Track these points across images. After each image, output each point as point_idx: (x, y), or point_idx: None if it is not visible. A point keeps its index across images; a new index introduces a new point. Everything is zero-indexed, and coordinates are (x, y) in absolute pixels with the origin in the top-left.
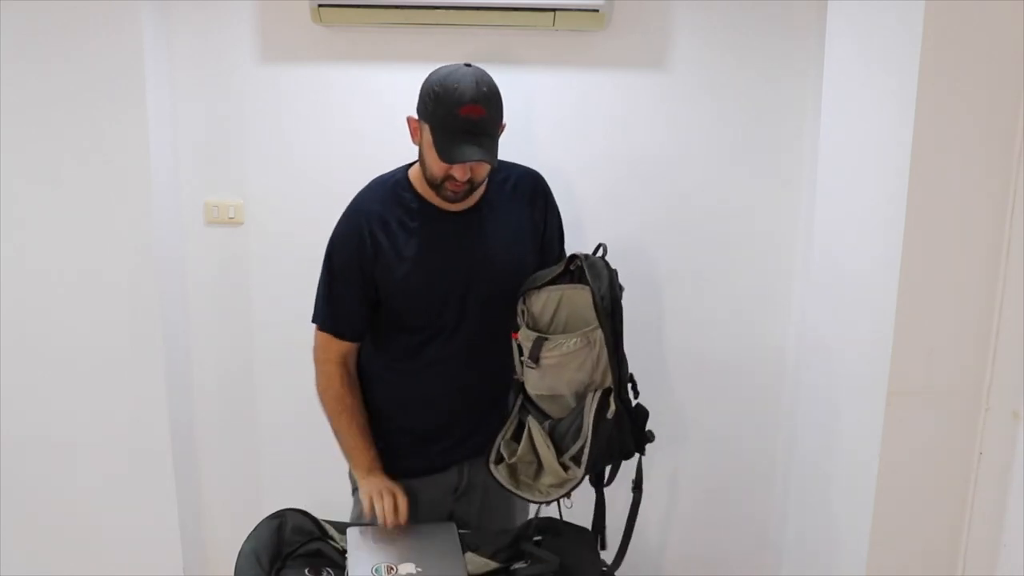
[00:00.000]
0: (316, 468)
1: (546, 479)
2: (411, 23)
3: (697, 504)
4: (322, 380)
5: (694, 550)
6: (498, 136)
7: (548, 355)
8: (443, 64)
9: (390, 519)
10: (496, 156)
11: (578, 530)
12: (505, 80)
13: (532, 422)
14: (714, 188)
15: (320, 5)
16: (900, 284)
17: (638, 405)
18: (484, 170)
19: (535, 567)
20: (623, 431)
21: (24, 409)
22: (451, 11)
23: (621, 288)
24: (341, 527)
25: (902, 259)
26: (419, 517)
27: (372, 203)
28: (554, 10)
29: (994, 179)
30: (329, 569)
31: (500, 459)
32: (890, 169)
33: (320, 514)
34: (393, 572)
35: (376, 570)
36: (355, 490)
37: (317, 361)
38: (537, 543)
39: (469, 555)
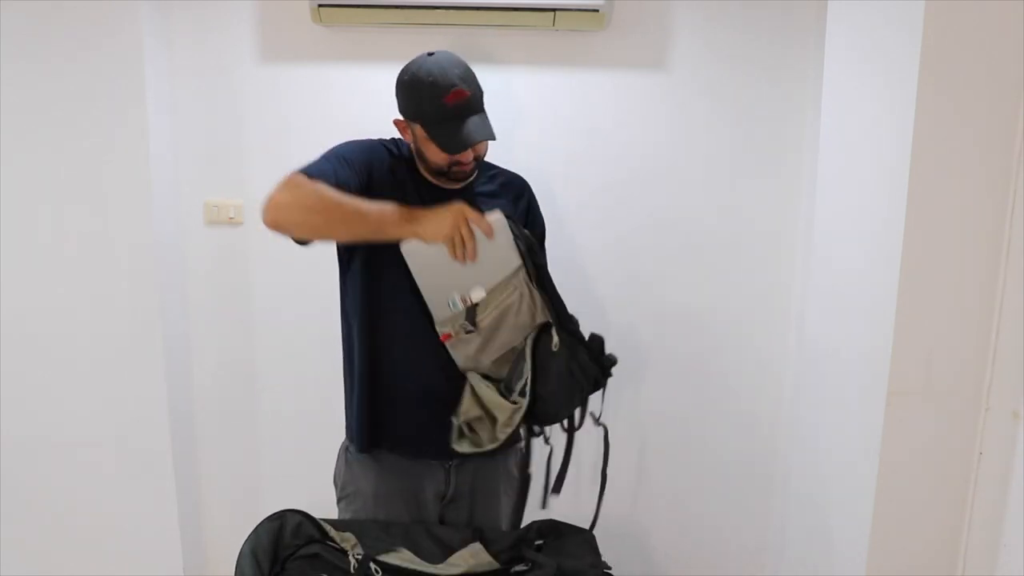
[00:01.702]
0: (316, 468)
1: (499, 425)
2: (411, 23)
3: (697, 504)
4: (290, 197)
5: (694, 550)
6: (483, 104)
7: (484, 316)
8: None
9: (470, 254)
10: (492, 129)
11: (579, 532)
12: (505, 80)
13: (471, 375)
14: (714, 188)
15: (320, 5)
16: (900, 284)
17: (592, 334)
18: (482, 148)
19: (534, 572)
20: (581, 363)
21: (24, 409)
22: (451, 11)
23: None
24: (341, 526)
25: (902, 259)
26: (410, 514)
27: (387, 154)
28: (554, 10)
29: (994, 179)
30: (326, 575)
31: (460, 434)
32: (890, 169)
33: (320, 514)
34: (467, 301)
35: (452, 303)
36: (341, 498)
37: (274, 195)
38: (539, 547)
39: (478, 547)
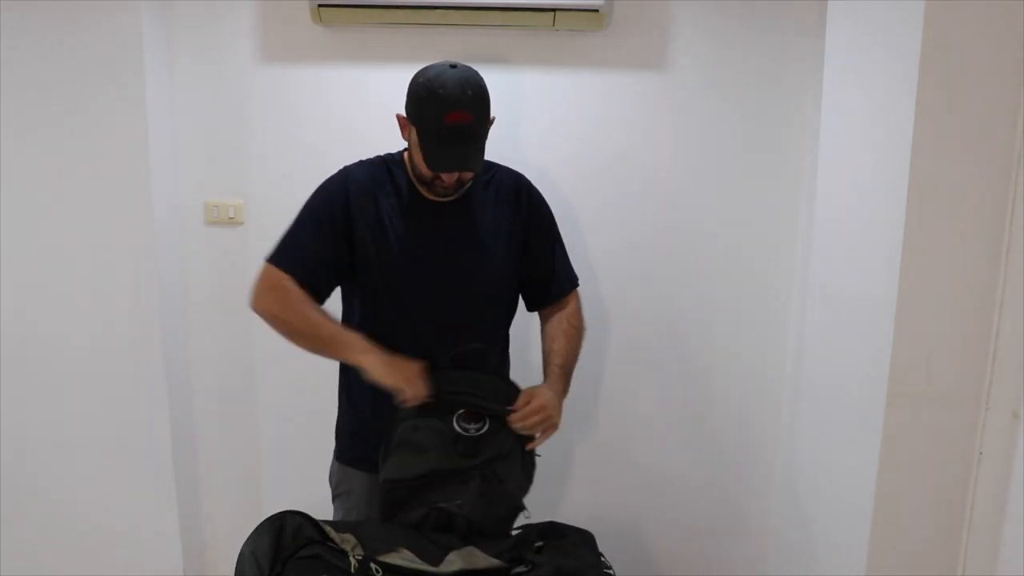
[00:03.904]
0: (316, 468)
1: None
2: (411, 23)
3: (697, 504)
4: (269, 299)
5: (693, 550)
6: (485, 136)
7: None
8: (432, 63)
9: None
10: (482, 161)
11: (579, 532)
12: (505, 80)
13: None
14: (714, 188)
15: (320, 5)
16: (900, 284)
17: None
18: (471, 172)
19: (534, 572)
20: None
21: (24, 409)
22: (451, 11)
23: None
24: (341, 527)
25: (902, 259)
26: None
27: (361, 170)
28: (554, 10)
29: (994, 179)
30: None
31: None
32: (890, 169)
33: (319, 515)
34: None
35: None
36: (336, 496)
37: (258, 289)
38: (539, 548)
39: (473, 549)
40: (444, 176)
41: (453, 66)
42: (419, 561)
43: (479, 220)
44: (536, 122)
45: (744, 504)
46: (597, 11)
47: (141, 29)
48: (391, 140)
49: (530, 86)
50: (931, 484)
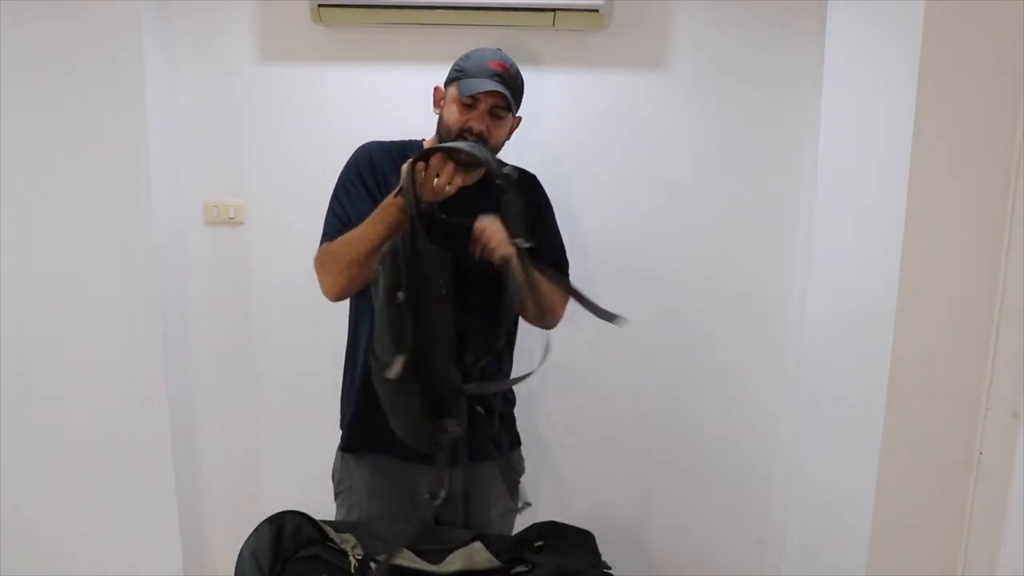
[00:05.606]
0: (316, 468)
1: None
2: (411, 23)
3: (697, 504)
4: (325, 275)
5: (694, 550)
6: (516, 101)
7: None
8: (446, 63)
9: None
10: (514, 108)
11: (579, 532)
12: None
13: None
14: (714, 188)
15: (320, 5)
16: (900, 284)
17: None
18: (499, 133)
19: (534, 572)
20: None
21: (24, 409)
22: (451, 11)
23: None
24: (340, 527)
25: (902, 259)
26: (404, 514)
27: (379, 145)
28: (554, 10)
29: (994, 179)
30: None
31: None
32: (890, 169)
33: (319, 515)
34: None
35: None
36: (338, 494)
37: (319, 277)
38: (539, 548)
39: (478, 545)
40: (474, 122)
41: (498, 49)
42: (419, 561)
43: (488, 210)
44: (536, 122)
45: (744, 504)
46: (597, 11)
47: (141, 29)
48: (390, 140)
49: (530, 86)
50: (931, 484)
